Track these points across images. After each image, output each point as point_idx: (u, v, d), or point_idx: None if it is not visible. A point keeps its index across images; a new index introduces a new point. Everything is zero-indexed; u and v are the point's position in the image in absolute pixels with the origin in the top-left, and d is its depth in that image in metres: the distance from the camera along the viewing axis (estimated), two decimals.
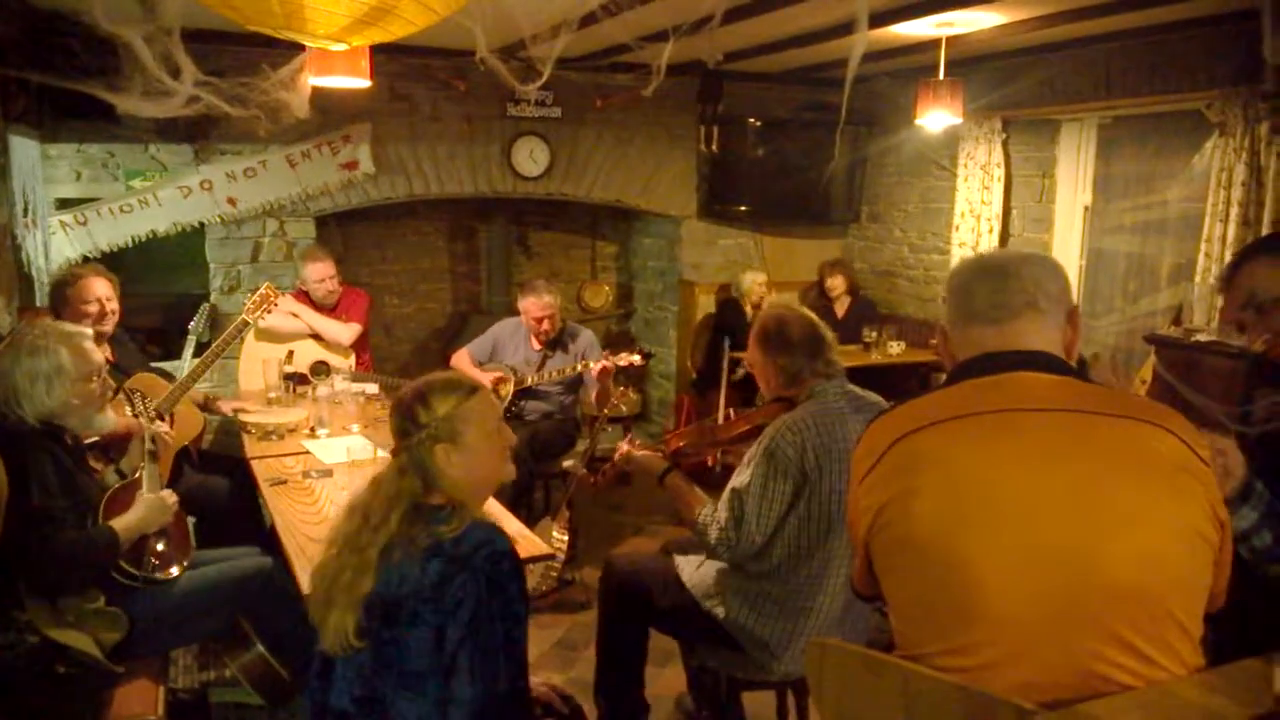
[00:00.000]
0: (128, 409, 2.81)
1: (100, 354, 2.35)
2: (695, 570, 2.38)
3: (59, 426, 2.22)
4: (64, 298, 3.16)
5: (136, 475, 2.45)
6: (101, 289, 3.21)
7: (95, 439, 2.49)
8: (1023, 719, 0.98)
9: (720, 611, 2.27)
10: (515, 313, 4.19)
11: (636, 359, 3.82)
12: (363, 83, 2.62)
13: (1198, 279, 3.68)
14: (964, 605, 1.11)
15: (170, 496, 2.38)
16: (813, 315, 2.33)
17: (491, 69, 1.93)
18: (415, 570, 1.51)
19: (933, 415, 1.21)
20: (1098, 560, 1.05)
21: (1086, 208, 4.55)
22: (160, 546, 2.31)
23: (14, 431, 2.13)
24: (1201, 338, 3.38)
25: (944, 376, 1.31)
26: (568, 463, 4.00)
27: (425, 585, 1.50)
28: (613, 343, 5.80)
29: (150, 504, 2.30)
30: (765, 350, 2.29)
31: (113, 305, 3.25)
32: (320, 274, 4.09)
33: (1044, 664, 1.06)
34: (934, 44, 3.88)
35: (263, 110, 2.20)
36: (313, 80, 2.51)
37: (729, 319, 5.20)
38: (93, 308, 3.17)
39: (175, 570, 2.32)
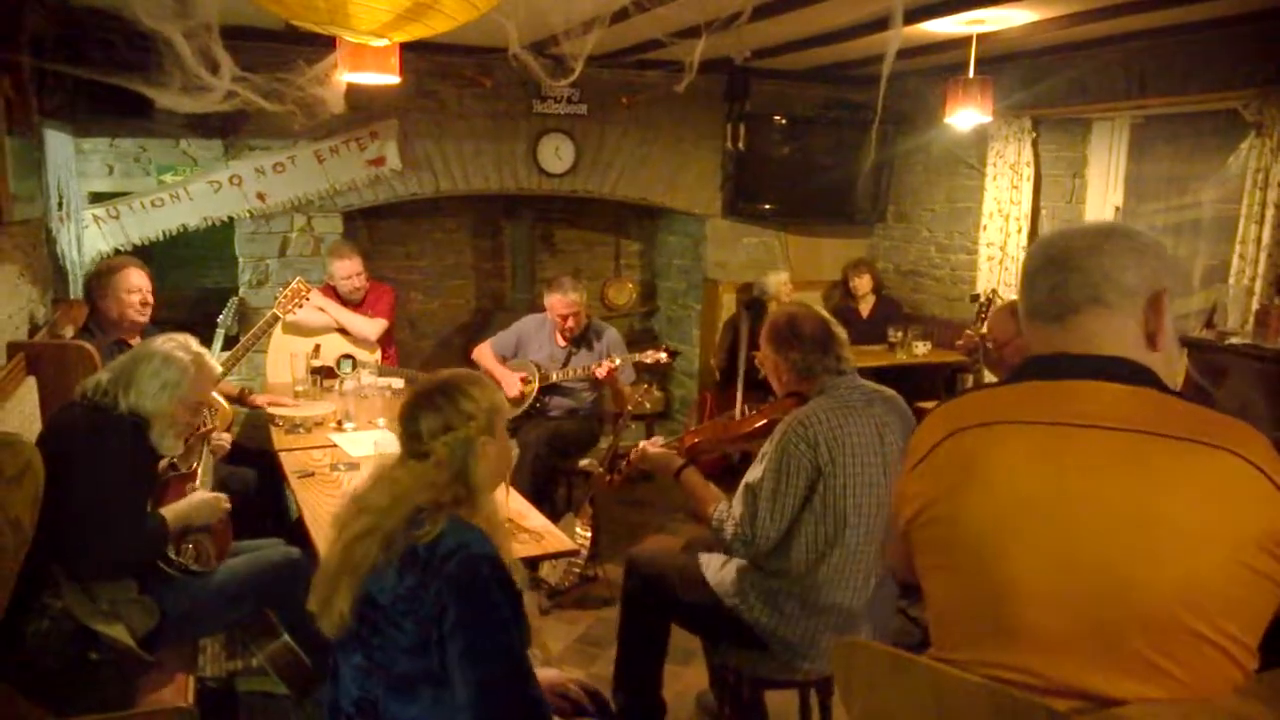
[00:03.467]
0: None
1: (212, 398, 2.43)
2: (719, 570, 2.38)
3: (146, 423, 2.28)
4: (107, 284, 3.23)
5: (193, 468, 2.53)
6: (141, 280, 3.30)
7: None
8: None
9: (744, 611, 2.27)
10: (539, 309, 4.20)
11: (663, 356, 3.84)
12: (392, 79, 2.63)
13: (1232, 281, 3.62)
14: (997, 613, 1.09)
15: (223, 500, 2.44)
16: (824, 313, 2.35)
17: (523, 64, 1.93)
18: (393, 577, 1.50)
19: (989, 415, 1.18)
20: (1131, 582, 1.03)
21: (1117, 208, 4.48)
22: (202, 541, 2.36)
23: (106, 413, 2.22)
24: (1236, 340, 3.33)
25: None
26: (584, 462, 4.02)
27: (402, 594, 1.49)
28: (636, 340, 5.80)
29: (204, 500, 2.38)
30: (777, 347, 2.31)
31: (150, 297, 3.33)
32: (347, 270, 4.14)
33: (1069, 682, 1.05)
34: (964, 42, 3.84)
35: (298, 106, 2.22)
36: (345, 76, 2.53)
37: (754, 320, 5.17)
38: (135, 296, 3.25)
39: (213, 564, 2.36)
